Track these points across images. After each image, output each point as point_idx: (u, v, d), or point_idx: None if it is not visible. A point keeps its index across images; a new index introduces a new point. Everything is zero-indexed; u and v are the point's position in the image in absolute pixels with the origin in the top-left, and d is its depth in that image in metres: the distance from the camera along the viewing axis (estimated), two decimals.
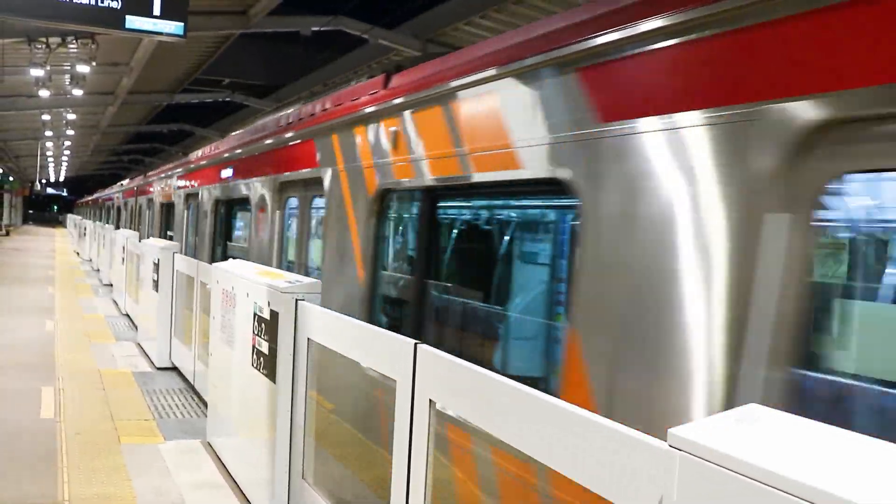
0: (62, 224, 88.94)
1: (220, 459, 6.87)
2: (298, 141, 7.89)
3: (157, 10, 8.02)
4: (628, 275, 3.39)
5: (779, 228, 2.77)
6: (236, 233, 11.90)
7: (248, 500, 5.96)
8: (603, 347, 3.49)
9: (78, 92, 21.56)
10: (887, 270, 3.28)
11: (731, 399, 2.87)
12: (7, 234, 52.90)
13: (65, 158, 57.56)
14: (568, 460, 2.65)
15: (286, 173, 8.29)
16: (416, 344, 3.74)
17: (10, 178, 58.00)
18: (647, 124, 3.36)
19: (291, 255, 8.49)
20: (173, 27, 8.06)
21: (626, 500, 2.38)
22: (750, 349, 2.83)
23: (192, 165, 14.65)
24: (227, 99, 31.28)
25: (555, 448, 2.72)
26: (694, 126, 3.14)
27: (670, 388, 3.13)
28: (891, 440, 1.86)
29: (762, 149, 2.86)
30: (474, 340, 5.68)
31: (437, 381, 3.59)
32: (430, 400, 3.61)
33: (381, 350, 4.17)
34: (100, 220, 33.54)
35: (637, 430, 2.33)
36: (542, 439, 2.79)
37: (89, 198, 61.77)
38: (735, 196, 2.95)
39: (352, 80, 24.90)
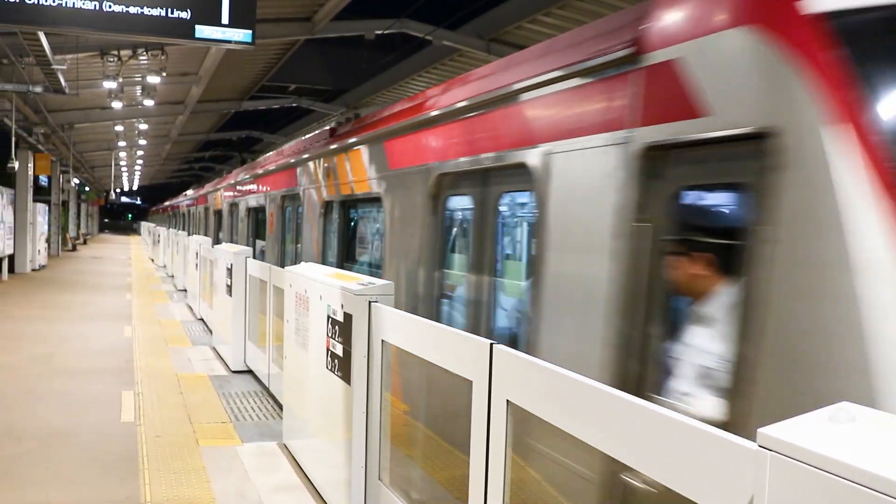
0: (136, 232, 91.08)
1: (296, 461, 6.93)
2: None
3: (225, 19, 8.11)
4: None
5: None
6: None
7: (325, 502, 6.00)
8: None
9: (149, 102, 22.03)
10: None
11: None
12: (84, 242, 54.39)
13: (138, 168, 58.92)
14: (652, 461, 2.59)
15: None
16: (491, 344, 3.71)
17: (87, 189, 59.61)
18: None
19: None
20: (242, 35, 8.14)
21: (713, 502, 2.32)
22: None
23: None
24: (294, 105, 31.64)
25: (638, 449, 2.66)
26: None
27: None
28: None
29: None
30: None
31: (513, 382, 3.55)
32: (508, 400, 3.58)
33: (456, 351, 4.15)
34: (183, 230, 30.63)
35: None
36: (624, 440, 2.74)
37: (163, 205, 63.25)
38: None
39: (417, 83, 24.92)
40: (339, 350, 5.57)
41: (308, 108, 31.59)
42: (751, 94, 3.18)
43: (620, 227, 3.88)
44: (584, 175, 4.27)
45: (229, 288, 11.31)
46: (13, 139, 20.95)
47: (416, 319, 4.72)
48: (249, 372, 10.81)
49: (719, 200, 3.96)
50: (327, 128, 11.69)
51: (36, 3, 7.62)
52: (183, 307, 18.59)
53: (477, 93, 5.67)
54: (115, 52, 18.15)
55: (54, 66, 15.91)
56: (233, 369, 11.03)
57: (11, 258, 24.50)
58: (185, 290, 20.75)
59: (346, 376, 5.43)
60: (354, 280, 5.71)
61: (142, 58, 18.72)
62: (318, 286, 6.15)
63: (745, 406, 3.06)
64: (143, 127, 30.74)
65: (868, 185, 2.73)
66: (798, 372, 2.87)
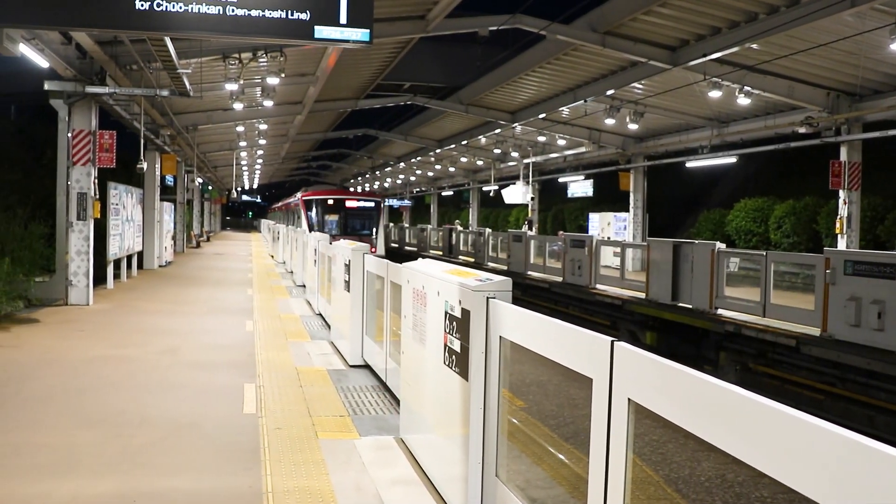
0: (256, 229, 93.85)
1: (413, 456, 6.97)
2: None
3: (343, 19, 8.24)
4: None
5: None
6: None
7: (441, 497, 6.01)
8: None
9: (268, 103, 22.63)
10: None
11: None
12: (208, 239, 56.37)
13: (257, 167, 60.69)
14: (793, 470, 2.47)
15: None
16: (612, 342, 3.64)
17: (209, 188, 61.76)
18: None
19: None
20: (360, 34, 8.24)
21: None
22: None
23: None
24: (409, 102, 31.96)
25: (776, 457, 2.54)
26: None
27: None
28: None
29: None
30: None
31: (635, 380, 3.47)
32: (629, 399, 3.50)
33: (575, 348, 4.09)
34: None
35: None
36: (760, 446, 2.62)
37: (276, 205, 66.80)
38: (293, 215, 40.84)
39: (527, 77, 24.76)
40: (456, 346, 5.58)
41: (423, 105, 31.85)
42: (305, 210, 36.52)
43: (289, 214, 44.89)
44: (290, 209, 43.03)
45: (347, 284, 11.48)
46: (142, 141, 21.84)
47: (535, 316, 4.68)
48: (366, 366, 10.95)
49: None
50: (295, 195, 43.88)
51: (164, 10, 7.90)
52: (302, 302, 19.00)
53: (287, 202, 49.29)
54: (237, 55, 18.71)
55: (180, 71, 16.52)
56: (350, 364, 11.19)
57: (140, 255, 25.55)
58: (304, 286, 21.22)
59: (463, 372, 5.43)
60: (472, 276, 5.70)
61: (261, 60, 19.23)
62: (436, 282, 6.17)
63: None
64: (263, 127, 31.63)
65: (305, 211, 35.01)
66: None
